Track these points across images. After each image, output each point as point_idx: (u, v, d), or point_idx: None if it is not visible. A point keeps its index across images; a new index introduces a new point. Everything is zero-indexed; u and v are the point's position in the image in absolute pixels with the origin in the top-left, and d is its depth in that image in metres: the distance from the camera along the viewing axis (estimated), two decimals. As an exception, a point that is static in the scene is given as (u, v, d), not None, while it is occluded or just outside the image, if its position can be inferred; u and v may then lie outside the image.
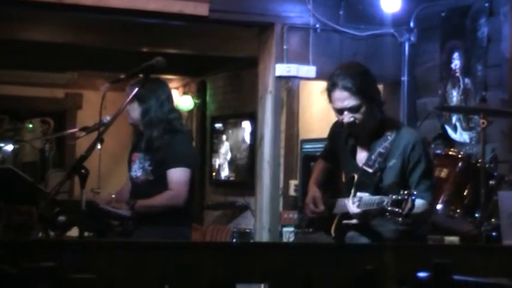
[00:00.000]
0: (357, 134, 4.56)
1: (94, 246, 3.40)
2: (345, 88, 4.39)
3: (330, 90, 4.47)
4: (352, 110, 4.41)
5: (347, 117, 4.43)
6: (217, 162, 11.21)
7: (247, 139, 10.51)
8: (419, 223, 4.46)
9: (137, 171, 5.27)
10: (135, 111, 5.25)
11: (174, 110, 5.39)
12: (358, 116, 4.41)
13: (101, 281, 3.00)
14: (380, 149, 4.46)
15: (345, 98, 4.40)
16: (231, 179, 10.92)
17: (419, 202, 4.28)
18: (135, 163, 5.29)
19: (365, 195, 4.36)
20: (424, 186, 4.40)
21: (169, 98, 5.35)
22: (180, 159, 5.16)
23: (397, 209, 4.11)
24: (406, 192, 4.13)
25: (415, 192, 4.19)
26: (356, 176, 4.50)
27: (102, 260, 3.19)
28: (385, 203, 4.16)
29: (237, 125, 10.79)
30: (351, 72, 4.44)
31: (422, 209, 4.34)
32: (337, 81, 4.43)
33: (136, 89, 4.41)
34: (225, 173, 11.02)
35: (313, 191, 4.74)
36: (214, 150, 11.28)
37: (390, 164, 4.43)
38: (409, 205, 4.10)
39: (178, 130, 5.27)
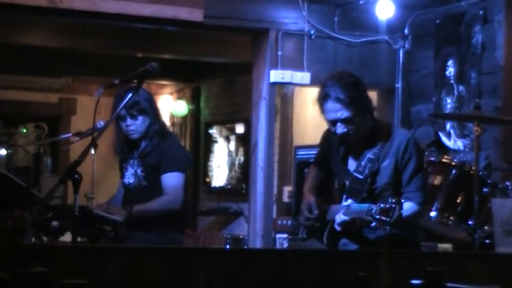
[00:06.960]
0: (349, 143, 4.54)
1: (86, 252, 3.39)
2: (338, 100, 4.35)
3: (321, 102, 4.43)
4: (345, 121, 4.38)
5: (340, 129, 4.40)
6: (211, 167, 11.20)
7: (241, 145, 10.50)
8: (408, 226, 4.45)
9: (130, 178, 5.26)
10: (144, 123, 5.19)
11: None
12: (351, 126, 4.40)
13: (92, 287, 3.00)
14: (369, 155, 4.45)
15: (338, 110, 4.37)
16: (224, 184, 10.91)
17: (407, 205, 4.27)
18: (128, 170, 5.29)
19: (353, 204, 4.36)
20: (415, 186, 4.41)
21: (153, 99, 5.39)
22: (174, 164, 5.15)
23: (384, 218, 4.10)
24: (394, 200, 4.11)
25: (402, 201, 4.18)
26: (347, 183, 4.50)
27: (94, 265, 3.18)
28: (373, 211, 4.16)
29: (231, 130, 10.78)
30: (343, 83, 4.39)
31: (411, 212, 4.34)
32: (330, 92, 4.38)
33: (130, 95, 4.36)
34: (218, 178, 11.01)
35: (308, 197, 4.70)
36: (208, 156, 11.26)
37: (384, 164, 4.43)
38: (396, 213, 4.08)
39: (167, 132, 5.31)
